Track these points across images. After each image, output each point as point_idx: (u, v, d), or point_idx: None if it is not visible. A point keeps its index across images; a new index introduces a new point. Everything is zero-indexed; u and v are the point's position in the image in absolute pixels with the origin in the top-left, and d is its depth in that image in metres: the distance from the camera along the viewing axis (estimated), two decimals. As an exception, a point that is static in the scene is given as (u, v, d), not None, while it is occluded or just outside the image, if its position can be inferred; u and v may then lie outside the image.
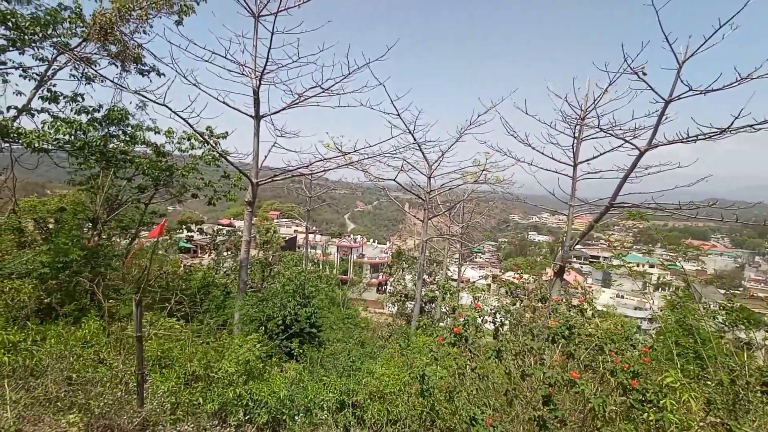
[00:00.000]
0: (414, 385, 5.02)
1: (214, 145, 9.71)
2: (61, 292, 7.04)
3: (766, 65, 4.84)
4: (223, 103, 7.80)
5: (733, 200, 6.53)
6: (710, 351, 5.64)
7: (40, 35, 7.96)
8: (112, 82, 8.03)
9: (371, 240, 66.81)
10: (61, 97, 8.67)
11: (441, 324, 15.21)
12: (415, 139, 11.54)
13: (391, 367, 6.47)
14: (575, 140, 8.17)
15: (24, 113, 8.25)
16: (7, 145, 7.99)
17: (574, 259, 65.52)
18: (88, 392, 3.89)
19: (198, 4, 9.18)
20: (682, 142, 5.78)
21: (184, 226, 33.08)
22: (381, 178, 13.02)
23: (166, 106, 6.69)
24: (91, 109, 9.10)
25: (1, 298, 5.76)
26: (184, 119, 6.92)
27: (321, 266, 35.33)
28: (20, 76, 8.39)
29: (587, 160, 8.20)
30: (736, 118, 4.92)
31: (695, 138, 5.63)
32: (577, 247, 8.17)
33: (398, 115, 10.57)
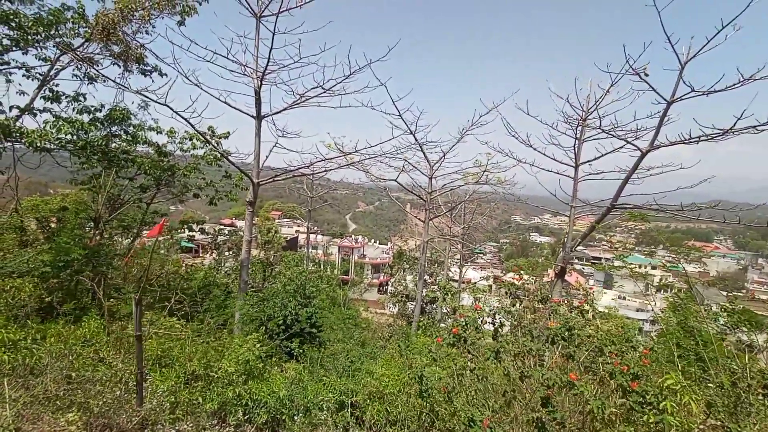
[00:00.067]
0: (413, 385, 5.01)
1: (215, 145, 9.74)
2: (62, 291, 7.06)
3: (769, 66, 4.81)
4: (225, 103, 7.82)
5: (736, 202, 6.50)
6: (712, 353, 5.60)
7: (43, 35, 8.01)
8: (114, 82, 8.06)
9: (372, 240, 66.83)
10: (63, 97, 8.72)
11: (442, 325, 15.18)
12: (416, 140, 11.54)
13: (391, 367, 6.46)
14: (577, 141, 8.14)
15: (27, 113, 8.29)
16: (10, 144, 8.03)
17: (576, 261, 65.34)
18: (87, 391, 3.89)
19: (200, 4, 9.21)
20: (684, 143, 5.76)
21: (185, 226, 33.13)
22: (382, 179, 13.04)
23: (168, 106, 6.70)
24: (92, 108, 9.14)
25: (2, 296, 5.78)
26: (185, 119, 6.94)
27: (322, 266, 35.35)
28: (23, 75, 8.44)
29: (589, 161, 8.17)
30: (739, 119, 4.90)
31: (697, 139, 5.61)
32: (579, 248, 8.14)
33: (399, 115, 10.57)
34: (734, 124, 5.04)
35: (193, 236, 36.80)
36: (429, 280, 22.37)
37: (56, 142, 8.17)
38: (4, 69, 8.12)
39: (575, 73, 8.64)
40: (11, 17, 7.55)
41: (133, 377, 4.21)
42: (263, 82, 7.94)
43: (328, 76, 7.76)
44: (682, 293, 11.80)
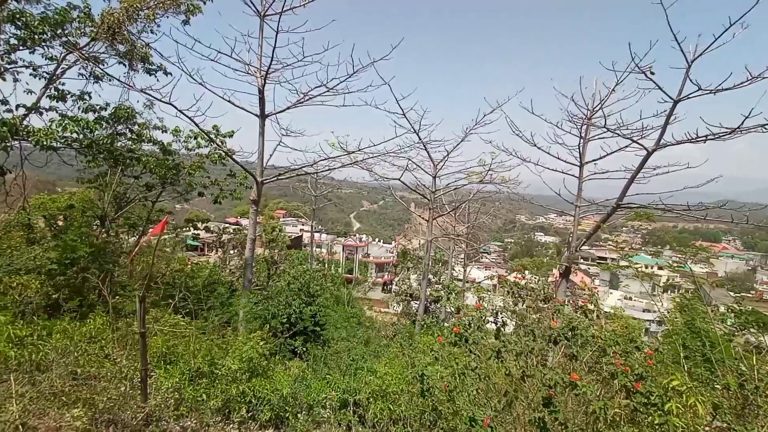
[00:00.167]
0: (416, 384, 5.01)
1: (220, 143, 9.78)
2: (68, 288, 7.13)
3: (778, 63, 4.74)
4: (229, 102, 7.85)
5: (745, 202, 6.42)
6: (719, 354, 5.54)
7: (50, 34, 8.08)
8: (120, 81, 8.13)
9: (376, 239, 66.88)
10: (68, 96, 8.79)
11: (446, 324, 15.15)
12: (420, 139, 11.52)
13: (394, 366, 6.45)
14: (582, 140, 8.08)
15: (33, 111, 8.38)
16: (18, 143, 8.12)
17: (581, 261, 64.92)
18: (92, 387, 3.94)
19: (204, 3, 9.25)
20: (690, 142, 5.69)
21: (190, 224, 33.36)
22: (386, 178, 13.02)
23: (173, 105, 6.75)
24: (98, 107, 9.21)
25: (10, 293, 5.85)
26: (189, 118, 6.98)
27: (326, 265, 35.42)
28: (30, 74, 8.53)
29: (594, 161, 8.10)
30: (747, 117, 4.84)
31: (704, 138, 5.54)
32: (584, 248, 8.09)
33: (403, 114, 10.56)
34: (742, 123, 4.98)
35: (198, 234, 37.05)
36: (433, 279, 22.34)
37: (62, 141, 8.24)
38: (12, 68, 8.21)
39: (581, 72, 8.57)
40: (18, 17, 7.63)
41: (138, 374, 4.24)
42: (267, 81, 7.96)
43: (332, 75, 7.79)
44: (689, 294, 11.69)
